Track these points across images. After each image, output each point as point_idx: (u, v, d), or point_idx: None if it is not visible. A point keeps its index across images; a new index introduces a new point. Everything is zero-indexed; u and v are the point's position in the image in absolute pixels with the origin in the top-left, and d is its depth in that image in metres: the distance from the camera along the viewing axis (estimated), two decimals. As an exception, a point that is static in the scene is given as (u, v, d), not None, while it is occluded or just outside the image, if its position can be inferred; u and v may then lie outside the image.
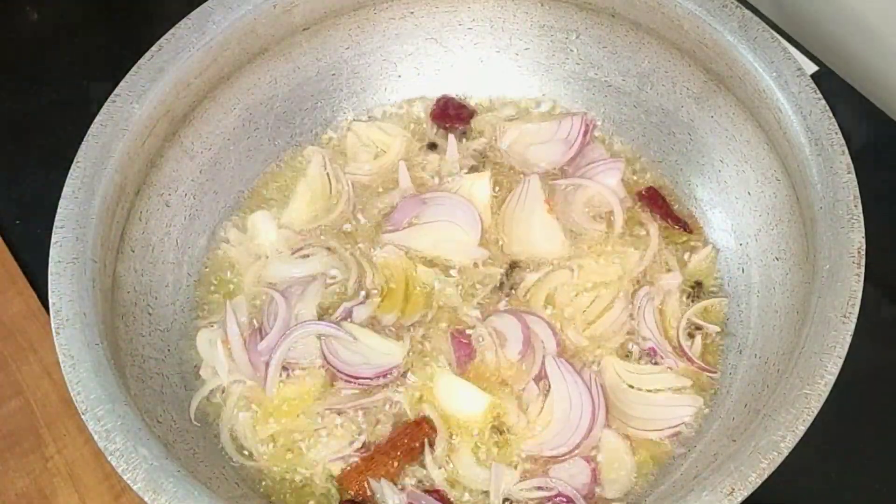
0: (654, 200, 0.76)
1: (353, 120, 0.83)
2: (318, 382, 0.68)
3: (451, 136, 0.80)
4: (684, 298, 0.72)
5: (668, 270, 0.73)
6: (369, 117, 0.83)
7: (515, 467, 0.65)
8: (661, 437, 0.66)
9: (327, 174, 0.78)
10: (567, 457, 0.65)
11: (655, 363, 0.69)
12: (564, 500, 0.63)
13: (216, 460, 0.65)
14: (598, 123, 0.81)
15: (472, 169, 0.78)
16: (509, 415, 0.67)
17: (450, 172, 0.78)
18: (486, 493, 0.64)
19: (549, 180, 0.77)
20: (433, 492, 0.64)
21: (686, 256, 0.74)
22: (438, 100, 0.83)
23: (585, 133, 0.79)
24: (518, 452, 0.66)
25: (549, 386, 0.67)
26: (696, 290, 0.73)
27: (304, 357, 0.69)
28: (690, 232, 0.75)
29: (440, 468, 0.65)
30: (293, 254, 0.74)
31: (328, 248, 0.74)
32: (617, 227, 0.74)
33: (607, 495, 0.64)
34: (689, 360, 0.69)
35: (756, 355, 0.65)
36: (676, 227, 0.75)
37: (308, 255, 0.74)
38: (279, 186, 0.79)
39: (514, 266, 0.73)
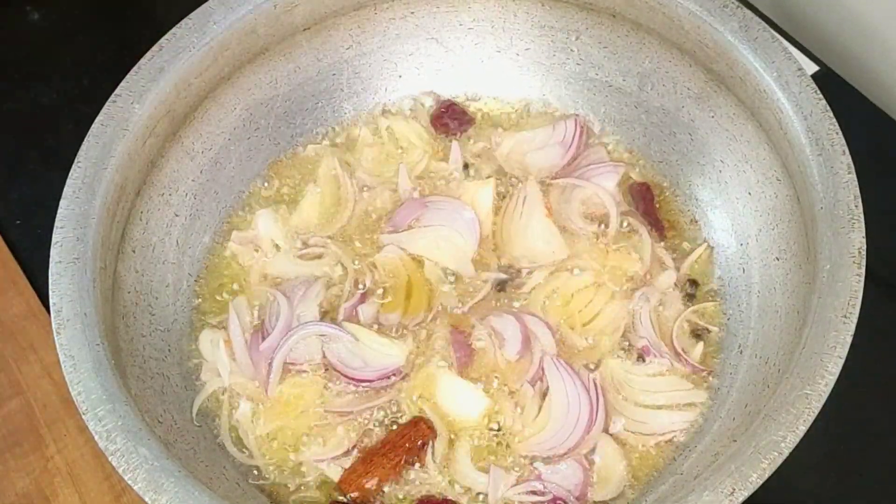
0: (643, 196, 0.76)
1: (385, 112, 0.83)
2: (319, 383, 0.68)
3: (454, 143, 0.80)
4: (681, 298, 0.72)
5: (664, 269, 0.73)
6: (410, 111, 0.83)
7: (511, 469, 0.65)
8: (659, 440, 0.66)
9: (337, 178, 0.78)
10: (563, 458, 0.65)
11: (652, 363, 0.69)
12: (559, 502, 0.63)
13: (216, 460, 0.65)
14: (598, 124, 0.81)
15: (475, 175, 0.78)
16: (506, 416, 0.67)
17: (453, 178, 0.78)
18: (481, 494, 0.64)
19: (548, 181, 0.77)
20: (446, 501, 0.64)
21: (682, 255, 0.74)
22: (440, 105, 0.82)
23: (581, 134, 0.79)
24: (514, 454, 0.66)
25: (547, 387, 0.67)
26: (693, 288, 0.73)
27: (306, 358, 0.69)
28: (664, 236, 0.75)
29: (440, 470, 0.65)
30: (296, 254, 0.75)
31: (330, 249, 0.74)
32: (612, 228, 0.74)
33: (600, 497, 0.64)
34: (685, 361, 0.69)
35: (756, 355, 0.66)
36: (653, 228, 0.74)
37: (310, 256, 0.74)
38: (281, 186, 0.79)
39: (513, 271, 0.73)
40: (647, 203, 0.76)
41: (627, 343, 0.70)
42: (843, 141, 0.62)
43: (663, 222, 0.75)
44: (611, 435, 0.66)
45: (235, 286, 0.74)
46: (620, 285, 0.72)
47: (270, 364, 0.68)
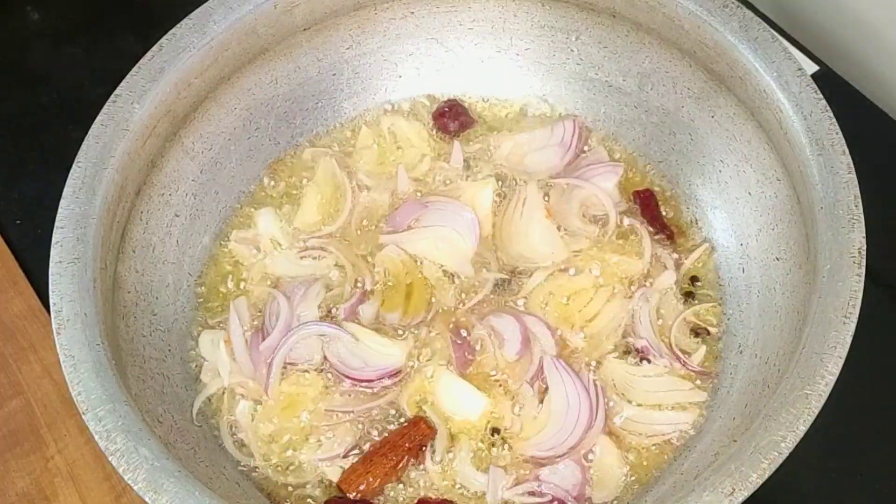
0: (647, 203, 0.76)
1: (385, 112, 0.83)
2: (319, 383, 0.68)
3: (455, 143, 0.80)
4: (681, 298, 0.72)
5: (664, 269, 0.73)
6: (410, 112, 0.83)
7: (510, 470, 0.65)
8: (659, 440, 0.66)
9: (337, 178, 0.78)
10: (562, 458, 0.65)
11: (652, 364, 0.69)
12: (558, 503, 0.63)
13: (216, 460, 0.65)
14: (599, 124, 0.81)
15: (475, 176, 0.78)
16: (506, 416, 0.67)
17: (454, 178, 0.78)
18: (481, 494, 0.64)
19: (547, 181, 0.77)
20: (442, 502, 0.64)
21: (682, 255, 0.74)
22: (444, 103, 0.82)
23: (580, 135, 0.79)
24: (514, 454, 0.66)
25: (547, 387, 0.67)
26: (693, 288, 0.73)
27: (306, 358, 0.69)
28: (674, 241, 0.75)
29: (439, 470, 0.65)
30: (296, 254, 0.75)
31: (331, 249, 0.74)
32: (611, 229, 0.74)
33: (599, 498, 0.64)
34: (683, 363, 0.68)
35: (757, 355, 0.66)
36: (661, 233, 0.75)
37: (311, 256, 0.74)
38: (281, 186, 0.79)
39: (513, 271, 0.73)
40: (651, 209, 0.76)
41: (627, 343, 0.70)
42: (843, 141, 0.62)
43: (671, 228, 0.75)
44: (610, 435, 0.66)
45: (235, 286, 0.74)
46: (620, 285, 0.72)
47: (270, 364, 0.68)
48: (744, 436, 0.55)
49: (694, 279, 0.73)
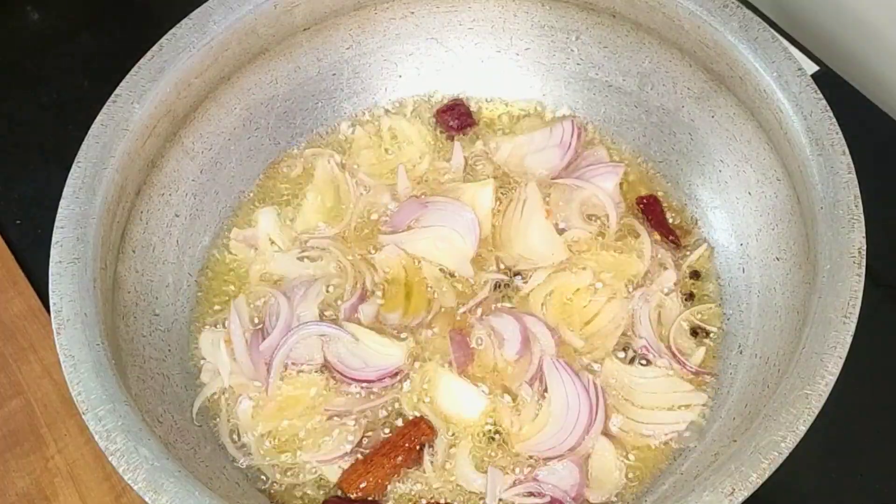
0: (652, 208, 0.76)
1: (385, 112, 0.83)
2: (319, 383, 0.68)
3: (455, 143, 0.80)
4: (681, 299, 0.72)
5: (664, 269, 0.73)
6: (411, 112, 0.83)
7: (509, 470, 0.65)
8: (659, 441, 0.66)
9: (337, 179, 0.78)
10: (561, 459, 0.65)
11: (652, 364, 0.69)
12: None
13: (216, 460, 0.65)
14: (599, 124, 0.81)
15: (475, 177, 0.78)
16: (505, 416, 0.67)
17: (454, 178, 0.78)
18: (480, 495, 0.64)
19: (548, 182, 0.77)
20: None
21: (682, 256, 0.74)
22: (447, 102, 0.82)
23: (578, 135, 0.79)
24: (513, 454, 0.66)
25: (546, 387, 0.67)
26: (694, 287, 0.73)
27: (306, 358, 0.69)
28: (678, 246, 0.75)
29: (439, 471, 0.65)
30: (296, 254, 0.75)
31: (331, 249, 0.74)
32: (611, 229, 0.74)
33: (597, 498, 0.64)
34: (683, 363, 0.68)
35: (756, 355, 0.66)
36: (667, 238, 0.75)
37: (311, 256, 0.74)
38: (281, 186, 0.79)
39: (513, 271, 0.73)
40: (657, 215, 0.76)
41: (627, 344, 0.70)
42: (843, 141, 0.62)
43: (676, 233, 0.75)
44: (610, 436, 0.66)
45: (236, 286, 0.74)
46: (620, 285, 0.72)
47: (270, 364, 0.68)
48: (744, 436, 0.55)
49: (694, 276, 0.73)
